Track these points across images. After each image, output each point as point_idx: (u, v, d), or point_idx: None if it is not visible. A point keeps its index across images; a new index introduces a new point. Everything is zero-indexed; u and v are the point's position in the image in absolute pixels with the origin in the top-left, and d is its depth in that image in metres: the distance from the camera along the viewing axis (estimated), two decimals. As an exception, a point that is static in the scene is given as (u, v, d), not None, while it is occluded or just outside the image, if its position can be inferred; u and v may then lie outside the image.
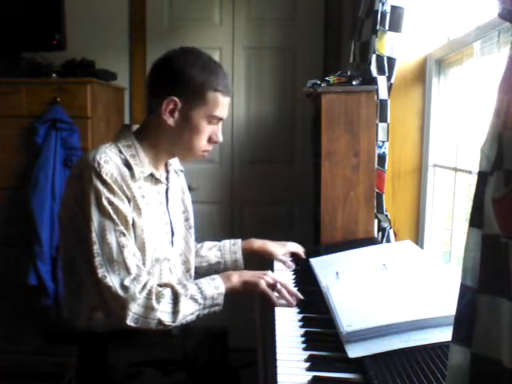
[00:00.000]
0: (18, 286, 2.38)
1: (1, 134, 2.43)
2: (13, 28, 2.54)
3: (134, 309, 1.18)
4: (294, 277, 1.59)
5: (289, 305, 1.29)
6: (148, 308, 1.19)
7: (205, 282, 1.28)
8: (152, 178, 1.33)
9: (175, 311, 1.21)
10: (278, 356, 1.03)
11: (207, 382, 1.39)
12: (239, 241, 1.66)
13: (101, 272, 1.19)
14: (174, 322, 1.21)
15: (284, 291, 1.31)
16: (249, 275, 1.33)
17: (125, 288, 1.19)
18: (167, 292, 1.23)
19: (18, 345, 2.51)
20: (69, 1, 2.59)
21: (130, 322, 1.18)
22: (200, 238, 1.55)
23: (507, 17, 0.64)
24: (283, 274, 1.59)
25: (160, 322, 1.20)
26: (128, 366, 1.24)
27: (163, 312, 1.20)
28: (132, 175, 1.26)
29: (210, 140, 1.33)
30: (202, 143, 1.32)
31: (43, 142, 2.36)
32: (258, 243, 1.67)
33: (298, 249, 1.72)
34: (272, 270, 1.60)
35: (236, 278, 1.31)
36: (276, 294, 1.32)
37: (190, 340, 1.39)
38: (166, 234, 1.36)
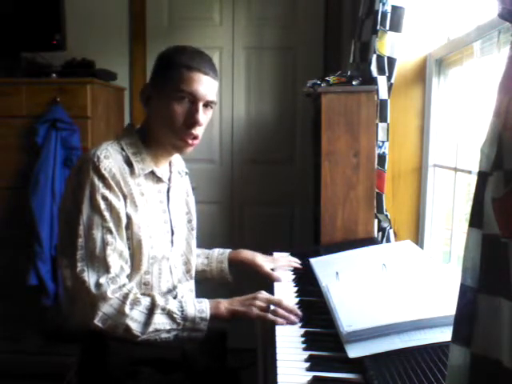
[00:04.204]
0: (18, 286, 2.38)
1: (1, 134, 2.43)
2: (13, 28, 2.54)
3: (105, 309, 1.16)
4: (293, 277, 1.59)
5: (289, 323, 1.20)
6: (119, 311, 1.17)
7: (190, 303, 1.23)
8: (153, 176, 1.33)
9: (147, 323, 1.18)
10: (278, 356, 1.03)
11: (206, 382, 1.39)
12: (228, 251, 1.63)
13: (80, 266, 1.18)
14: (143, 333, 1.17)
15: (280, 311, 1.22)
16: (238, 303, 1.25)
17: (99, 286, 1.17)
18: (145, 301, 1.20)
19: (18, 345, 2.51)
20: (69, 1, 2.59)
21: (97, 321, 1.16)
22: (199, 238, 1.55)
23: (507, 17, 0.64)
24: (283, 275, 1.59)
25: (128, 329, 1.17)
26: (127, 366, 1.24)
27: (134, 320, 1.17)
28: (132, 172, 1.27)
29: (186, 122, 1.27)
30: (176, 125, 1.26)
31: (43, 142, 2.36)
32: (245, 254, 1.63)
33: (292, 262, 1.68)
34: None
35: (225, 306, 1.24)
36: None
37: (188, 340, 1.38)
38: (166, 233, 1.35)
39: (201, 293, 1.46)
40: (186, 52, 1.28)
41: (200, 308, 1.22)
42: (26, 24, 2.54)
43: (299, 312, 1.24)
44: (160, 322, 1.19)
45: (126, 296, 1.18)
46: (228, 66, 2.87)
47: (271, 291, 1.45)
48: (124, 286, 1.20)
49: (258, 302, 1.25)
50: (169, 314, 1.20)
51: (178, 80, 1.25)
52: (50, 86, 2.41)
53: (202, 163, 2.82)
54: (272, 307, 1.24)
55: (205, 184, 2.88)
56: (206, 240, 1.67)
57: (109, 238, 1.20)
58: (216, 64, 1.35)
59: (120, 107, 2.81)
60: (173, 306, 1.21)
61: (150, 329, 1.18)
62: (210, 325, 1.22)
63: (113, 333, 1.18)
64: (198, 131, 1.29)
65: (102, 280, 1.18)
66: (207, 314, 1.22)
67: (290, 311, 1.23)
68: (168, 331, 1.20)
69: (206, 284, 1.60)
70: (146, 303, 1.20)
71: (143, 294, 1.23)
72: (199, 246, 1.62)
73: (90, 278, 1.17)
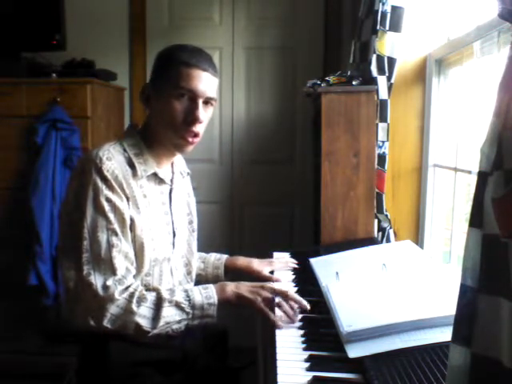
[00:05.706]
0: (18, 286, 2.38)
1: (1, 134, 2.43)
2: (13, 28, 2.54)
3: (112, 310, 1.16)
4: (293, 277, 1.59)
5: (290, 322, 1.20)
6: (126, 311, 1.16)
7: (196, 291, 1.23)
8: (156, 177, 1.32)
9: (156, 317, 1.17)
10: (278, 356, 1.03)
11: (207, 382, 1.39)
12: (225, 257, 1.63)
13: (86, 269, 1.17)
14: (153, 328, 1.17)
15: (285, 305, 1.22)
16: (245, 289, 1.25)
17: (106, 288, 1.17)
18: (150, 296, 1.20)
19: (18, 345, 2.51)
20: (69, 1, 2.59)
21: (106, 323, 1.16)
22: (199, 238, 1.55)
23: (507, 17, 0.64)
24: (283, 276, 1.59)
25: (138, 326, 1.16)
26: (128, 366, 1.24)
27: (142, 316, 1.17)
28: (134, 174, 1.26)
29: (186, 119, 1.26)
30: (176, 122, 1.25)
31: (43, 142, 2.36)
32: (242, 261, 1.63)
33: (289, 263, 1.68)
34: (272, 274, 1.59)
35: (231, 289, 1.24)
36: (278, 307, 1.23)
37: (189, 340, 1.38)
38: (168, 235, 1.35)
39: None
40: (185, 49, 1.28)
41: (207, 294, 1.22)
42: (26, 24, 2.54)
43: (306, 303, 1.23)
44: (169, 314, 1.19)
45: (131, 295, 1.18)
46: (228, 66, 2.87)
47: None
48: (130, 286, 1.20)
49: (265, 293, 1.24)
50: (177, 305, 1.20)
51: (177, 77, 1.25)
52: (49, 86, 2.41)
53: (202, 163, 2.82)
54: (277, 300, 1.23)
55: (205, 184, 2.88)
56: (205, 240, 1.67)
57: (114, 239, 1.19)
58: (216, 64, 1.35)
59: (120, 107, 2.81)
60: (179, 296, 1.21)
61: (161, 323, 1.18)
62: (219, 309, 1.22)
63: (123, 333, 1.18)
64: (199, 129, 1.28)
65: (109, 282, 1.17)
66: (215, 299, 1.22)
67: (297, 302, 1.23)
68: (178, 322, 1.20)
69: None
70: (152, 298, 1.19)
71: (148, 290, 1.23)
72: (199, 245, 1.62)
73: (96, 280, 1.17)
